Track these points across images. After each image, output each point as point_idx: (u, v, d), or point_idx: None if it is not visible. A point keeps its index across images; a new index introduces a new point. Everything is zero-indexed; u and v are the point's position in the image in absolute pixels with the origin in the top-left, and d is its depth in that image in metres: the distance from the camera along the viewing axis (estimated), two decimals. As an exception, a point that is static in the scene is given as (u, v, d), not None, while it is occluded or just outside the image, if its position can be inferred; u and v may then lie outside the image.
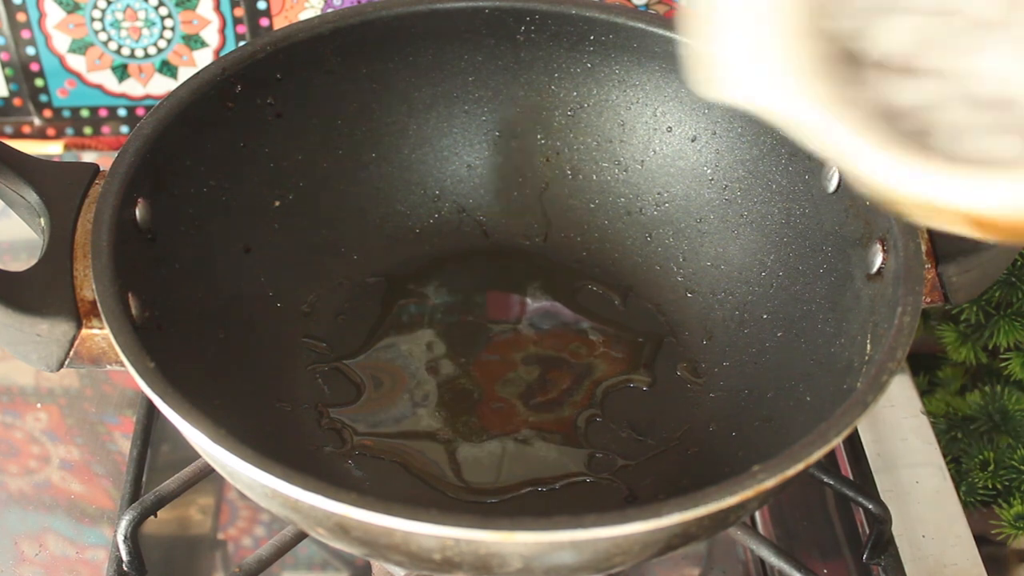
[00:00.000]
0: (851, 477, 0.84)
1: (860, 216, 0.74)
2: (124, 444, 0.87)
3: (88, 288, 0.68)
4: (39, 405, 0.91)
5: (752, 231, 0.84)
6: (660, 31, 0.83)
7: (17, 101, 1.07)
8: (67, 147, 1.09)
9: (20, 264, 0.69)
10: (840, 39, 0.49)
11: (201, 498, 0.85)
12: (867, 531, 0.81)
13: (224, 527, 0.84)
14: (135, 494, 0.80)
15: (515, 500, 0.75)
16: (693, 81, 0.52)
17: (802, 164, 0.79)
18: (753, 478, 0.58)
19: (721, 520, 0.62)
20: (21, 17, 1.01)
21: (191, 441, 0.62)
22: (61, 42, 1.03)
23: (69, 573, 0.80)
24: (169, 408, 0.60)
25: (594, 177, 0.90)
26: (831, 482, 0.79)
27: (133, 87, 1.06)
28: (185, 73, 1.05)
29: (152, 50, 1.04)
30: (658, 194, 0.88)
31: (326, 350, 0.83)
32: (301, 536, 0.73)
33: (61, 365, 0.69)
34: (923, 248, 0.71)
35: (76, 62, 1.05)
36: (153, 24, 1.02)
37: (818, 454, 0.59)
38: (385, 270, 0.88)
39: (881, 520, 0.77)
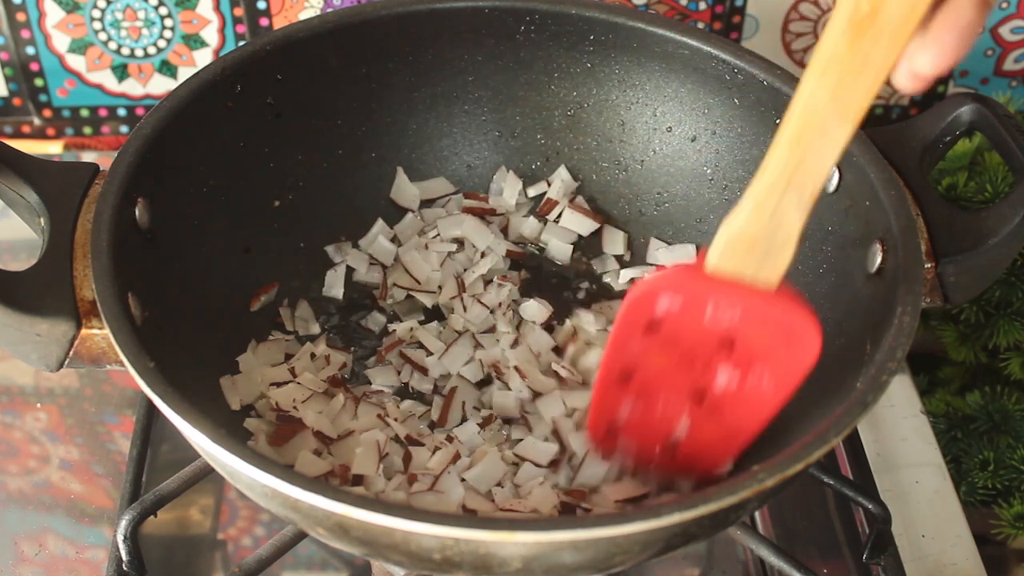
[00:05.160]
0: (851, 477, 0.84)
1: (860, 216, 0.74)
2: (124, 444, 0.87)
3: (88, 288, 0.68)
4: (39, 405, 0.91)
5: (752, 231, 0.84)
6: (660, 31, 0.83)
7: (17, 101, 1.07)
8: (67, 147, 1.09)
9: (20, 264, 0.69)
10: None
11: (201, 498, 0.85)
12: (867, 531, 0.81)
13: (224, 527, 0.84)
14: (135, 494, 0.80)
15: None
16: None
17: (802, 164, 0.79)
18: (753, 478, 0.58)
19: (721, 520, 0.62)
20: (21, 17, 1.01)
21: (191, 441, 0.62)
22: (61, 42, 1.03)
23: (69, 573, 0.80)
24: (169, 408, 0.60)
25: (594, 177, 0.90)
26: (831, 482, 0.79)
27: (133, 87, 1.06)
28: (185, 73, 1.05)
29: (152, 50, 1.04)
30: (658, 194, 0.88)
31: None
32: (301, 536, 0.73)
33: (61, 365, 0.69)
34: (923, 248, 0.71)
35: (76, 62, 1.05)
36: (153, 24, 1.02)
37: (818, 454, 0.59)
38: (385, 270, 0.88)
39: (881, 520, 0.77)
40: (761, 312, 0.63)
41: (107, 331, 0.64)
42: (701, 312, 0.64)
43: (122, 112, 1.08)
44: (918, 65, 0.54)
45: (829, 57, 0.56)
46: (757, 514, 0.85)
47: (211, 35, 1.03)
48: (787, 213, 0.60)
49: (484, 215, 0.88)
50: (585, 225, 0.88)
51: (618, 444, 0.72)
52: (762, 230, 0.61)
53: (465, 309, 0.83)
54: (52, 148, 1.09)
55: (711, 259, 0.63)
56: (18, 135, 1.09)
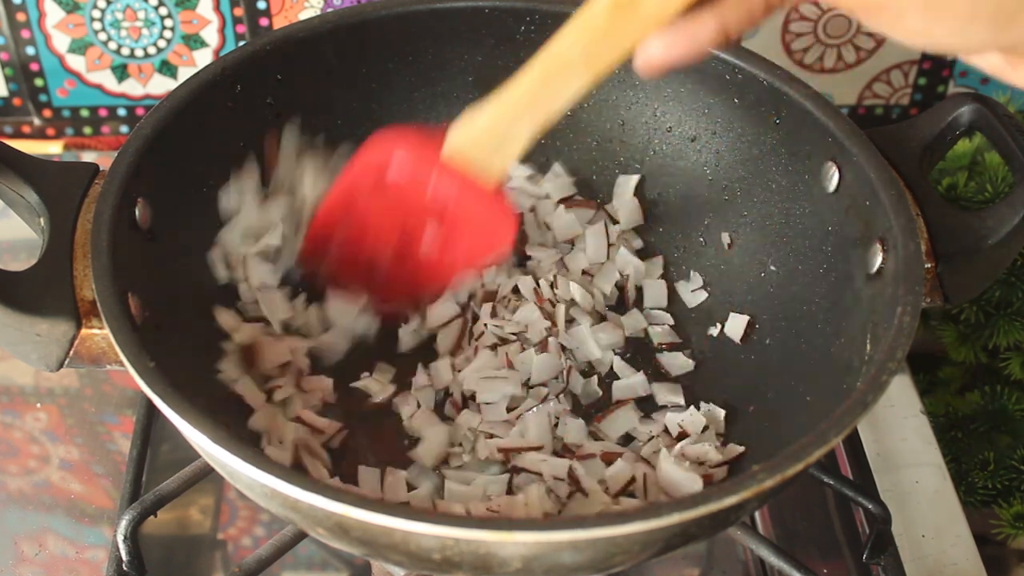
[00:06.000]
0: (851, 477, 0.84)
1: (860, 216, 0.74)
2: (124, 444, 0.87)
3: (88, 288, 0.68)
4: (39, 405, 0.91)
5: (752, 231, 0.84)
6: (660, 31, 0.83)
7: (17, 101, 1.07)
8: (67, 147, 1.09)
9: (20, 264, 0.69)
10: None
11: (201, 498, 0.85)
12: (867, 531, 0.81)
13: (224, 527, 0.84)
14: (135, 494, 0.80)
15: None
16: None
17: (802, 164, 0.79)
18: (753, 478, 0.58)
19: (721, 520, 0.62)
20: (21, 17, 1.01)
21: (191, 441, 0.62)
22: (61, 42, 1.03)
23: (69, 573, 0.80)
24: (169, 408, 0.60)
25: (594, 177, 0.90)
26: (831, 482, 0.79)
27: (133, 87, 1.06)
28: (185, 73, 1.05)
29: (152, 50, 1.04)
30: (658, 194, 0.88)
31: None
32: (301, 536, 0.73)
33: (61, 365, 0.69)
34: (923, 248, 0.71)
35: (76, 62, 1.05)
36: (153, 24, 1.02)
37: (818, 454, 0.59)
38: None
39: (881, 520, 0.77)
40: (474, 197, 0.74)
41: (107, 331, 0.64)
42: (426, 179, 0.75)
43: (122, 112, 1.08)
44: (650, 51, 0.61)
45: (587, 23, 0.64)
46: (757, 514, 0.85)
47: (211, 35, 1.03)
48: (520, 126, 0.70)
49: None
50: (582, 217, 0.87)
51: (324, 266, 0.81)
52: (497, 132, 0.70)
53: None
54: (52, 148, 1.09)
55: (450, 141, 0.72)
56: (18, 135, 1.09)
